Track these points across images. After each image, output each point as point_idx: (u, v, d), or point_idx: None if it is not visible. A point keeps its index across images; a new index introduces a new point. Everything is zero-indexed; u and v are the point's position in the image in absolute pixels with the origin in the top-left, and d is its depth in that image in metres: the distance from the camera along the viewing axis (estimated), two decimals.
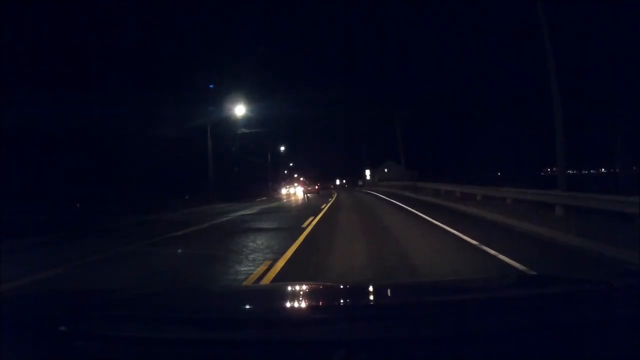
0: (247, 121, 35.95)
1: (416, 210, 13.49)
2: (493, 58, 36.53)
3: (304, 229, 9.80)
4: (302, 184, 56.53)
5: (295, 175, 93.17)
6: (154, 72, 28.84)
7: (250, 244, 7.88)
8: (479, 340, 1.22)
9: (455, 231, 8.22)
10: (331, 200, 24.60)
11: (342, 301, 2.03)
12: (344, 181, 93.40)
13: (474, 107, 43.62)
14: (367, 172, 73.49)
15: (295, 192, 45.60)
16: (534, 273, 4.73)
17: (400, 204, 17.05)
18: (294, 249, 6.89)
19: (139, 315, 1.55)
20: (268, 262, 5.89)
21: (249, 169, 49.24)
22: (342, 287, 2.49)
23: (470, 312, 1.42)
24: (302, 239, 7.98)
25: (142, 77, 27.27)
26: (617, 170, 27.13)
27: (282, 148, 62.03)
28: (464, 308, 1.49)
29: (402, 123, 35.51)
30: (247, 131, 35.25)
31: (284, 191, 42.71)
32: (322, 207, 17.89)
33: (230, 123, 34.79)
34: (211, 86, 33.11)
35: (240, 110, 32.40)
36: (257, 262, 5.99)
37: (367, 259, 5.94)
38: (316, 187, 49.13)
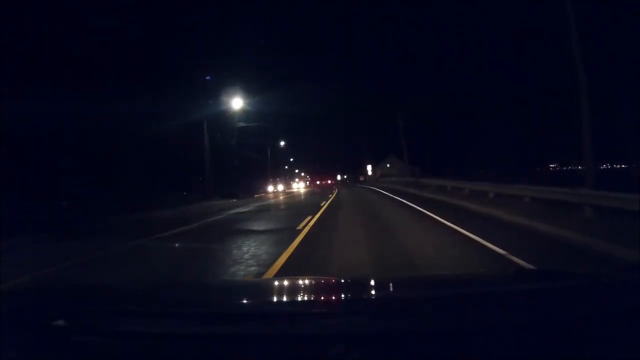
0: (246, 116, 35.06)
1: (424, 209, 12.34)
2: (496, 56, 35.39)
3: (300, 231, 8.66)
4: (317, 179, 57.19)
5: (297, 171, 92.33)
6: (150, 66, 27.80)
7: (235, 251, 6.75)
8: (479, 335, 1.21)
9: (475, 236, 7.08)
10: (331, 197, 23.51)
11: (342, 295, 2.01)
12: (345, 177, 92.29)
13: (476, 104, 42.79)
14: (369, 168, 72.33)
15: (283, 190, 43.61)
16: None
17: (405, 202, 15.90)
18: (285, 259, 5.73)
19: (139, 310, 1.53)
20: (250, 278, 4.78)
21: (249, 164, 48.33)
22: (342, 281, 2.45)
23: (469, 307, 1.41)
24: (295, 245, 6.82)
25: (138, 72, 26.28)
26: (634, 165, 26.07)
27: (282, 143, 60.92)
28: (464, 302, 1.48)
29: (404, 118, 34.28)
30: (245, 125, 34.13)
31: (270, 188, 40.93)
32: (322, 204, 16.78)
33: (229, 118, 33.85)
34: (207, 78, 32.06)
35: (238, 103, 31.37)
36: (237, 278, 4.88)
37: (374, 274, 4.82)
38: (329, 182, 49.75)
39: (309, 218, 11.08)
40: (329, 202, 18.84)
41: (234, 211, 16.18)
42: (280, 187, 44.15)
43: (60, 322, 1.35)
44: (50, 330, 1.34)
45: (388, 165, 65.62)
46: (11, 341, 1.28)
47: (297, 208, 16.47)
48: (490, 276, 2.49)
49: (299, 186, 64.13)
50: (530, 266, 4.88)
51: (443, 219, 9.67)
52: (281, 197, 28.73)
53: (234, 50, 41.12)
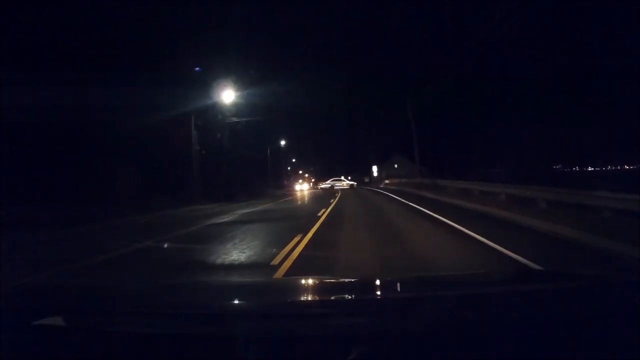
0: (244, 112, 32.04)
1: (456, 223, 8.86)
2: (501, 52, 32.07)
3: (275, 269, 5.26)
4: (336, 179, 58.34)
5: (300, 172, 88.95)
6: (135, 55, 24.65)
7: None
8: (479, 335, 1.20)
9: None
10: (333, 202, 20.06)
11: (342, 296, 1.98)
12: (349, 178, 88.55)
13: (482, 103, 39.93)
14: (374, 168, 68.73)
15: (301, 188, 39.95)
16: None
17: (427, 211, 12.38)
18: None
19: (139, 311, 1.51)
20: None
21: (249, 164, 45.34)
22: (343, 281, 2.39)
23: (470, 307, 1.40)
24: None
25: (120, 61, 23.23)
26: None
27: (283, 142, 57.36)
28: (464, 303, 1.46)
29: (411, 115, 30.60)
30: (239, 120, 30.80)
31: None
32: (320, 214, 13.32)
33: (225, 114, 30.80)
34: (198, 69, 28.93)
35: (231, 97, 28.16)
36: None
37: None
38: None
39: (297, 239, 7.67)
40: (329, 209, 15.39)
41: (210, 222, 12.85)
42: (278, 191, 40.74)
43: (60, 324, 1.35)
44: (49, 331, 1.34)
45: (395, 166, 62.08)
46: (9, 342, 1.26)
47: (287, 218, 13.00)
48: (491, 277, 2.39)
49: (302, 187, 60.80)
50: None
51: (498, 244, 6.20)
52: (279, 201, 25.33)
53: (231, 41, 37.78)
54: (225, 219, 13.67)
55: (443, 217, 10.47)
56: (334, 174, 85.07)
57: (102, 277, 5.60)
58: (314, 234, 8.51)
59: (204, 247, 7.84)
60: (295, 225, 10.26)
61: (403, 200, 18.22)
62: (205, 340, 1.23)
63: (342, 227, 9.92)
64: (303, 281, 2.40)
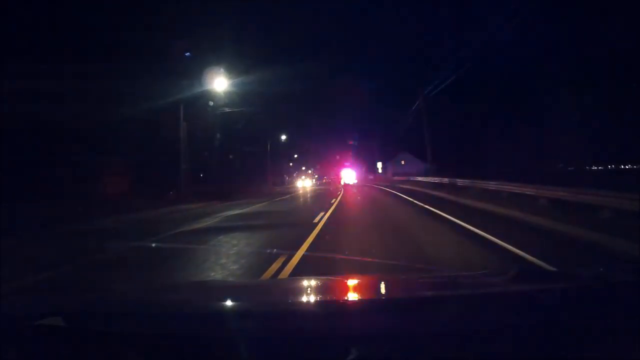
0: (240, 104, 29.86)
1: (513, 245, 6.37)
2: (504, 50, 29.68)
3: None
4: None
5: (303, 168, 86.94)
6: (117, 40, 22.32)
7: None
8: (480, 336, 1.19)
9: None
10: (335, 202, 17.58)
11: (343, 296, 1.93)
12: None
13: (485, 101, 37.85)
14: (379, 165, 66.22)
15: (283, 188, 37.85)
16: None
17: (465, 225, 9.86)
18: None
19: (139, 311, 1.50)
20: None
21: (247, 160, 43.22)
22: (344, 281, 2.33)
23: (470, 308, 1.37)
24: None
25: (109, 48, 21.08)
26: None
27: (284, 137, 54.84)
28: (465, 303, 1.44)
29: (426, 104, 28.02)
30: (231, 110, 28.38)
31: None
32: (317, 220, 10.81)
33: (219, 105, 28.49)
34: (187, 54, 26.51)
35: (224, 86, 25.69)
36: None
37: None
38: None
39: (279, 262, 5.20)
40: (329, 212, 12.89)
41: (183, 229, 10.61)
42: (277, 188, 38.45)
43: (62, 325, 1.33)
44: (51, 333, 1.32)
45: (402, 162, 59.57)
46: (10, 344, 1.25)
47: (276, 227, 10.46)
48: (491, 277, 2.35)
49: (305, 184, 58.51)
50: None
51: None
52: (275, 200, 22.94)
53: (226, 26, 35.33)
54: (203, 225, 11.26)
55: (477, 229, 7.89)
56: (336, 170, 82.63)
57: None
58: (304, 255, 5.97)
59: (137, 273, 5.33)
60: (283, 238, 7.77)
61: (417, 203, 15.65)
62: (205, 340, 1.21)
63: (344, 244, 7.38)
64: (304, 281, 2.39)
